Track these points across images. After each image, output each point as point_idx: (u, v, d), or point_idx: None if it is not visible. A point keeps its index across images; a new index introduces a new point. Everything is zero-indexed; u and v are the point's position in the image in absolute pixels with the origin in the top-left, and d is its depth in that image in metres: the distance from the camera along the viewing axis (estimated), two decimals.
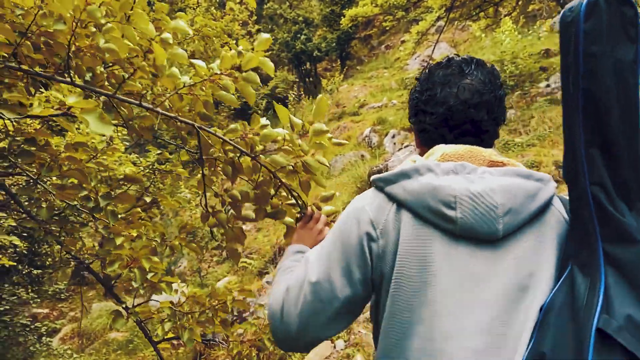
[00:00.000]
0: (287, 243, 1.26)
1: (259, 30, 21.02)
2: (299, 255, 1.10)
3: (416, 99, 1.01)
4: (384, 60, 19.58)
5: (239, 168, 1.41)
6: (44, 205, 1.57)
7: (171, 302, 1.68)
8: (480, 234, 0.80)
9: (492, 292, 0.79)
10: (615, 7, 0.74)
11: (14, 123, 1.39)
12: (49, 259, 5.53)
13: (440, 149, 0.92)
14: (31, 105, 1.01)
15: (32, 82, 1.34)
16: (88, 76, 1.37)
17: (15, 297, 3.91)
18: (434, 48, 11.31)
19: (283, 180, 1.35)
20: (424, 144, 1.01)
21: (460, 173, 0.85)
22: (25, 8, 1.26)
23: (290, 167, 1.30)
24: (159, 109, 1.29)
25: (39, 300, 4.84)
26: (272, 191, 1.41)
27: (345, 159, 9.89)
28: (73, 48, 1.19)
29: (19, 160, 1.44)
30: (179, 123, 1.36)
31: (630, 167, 0.75)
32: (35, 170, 1.57)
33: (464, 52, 14.89)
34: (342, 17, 15.85)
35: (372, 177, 0.92)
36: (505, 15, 9.24)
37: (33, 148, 1.45)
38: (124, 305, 1.54)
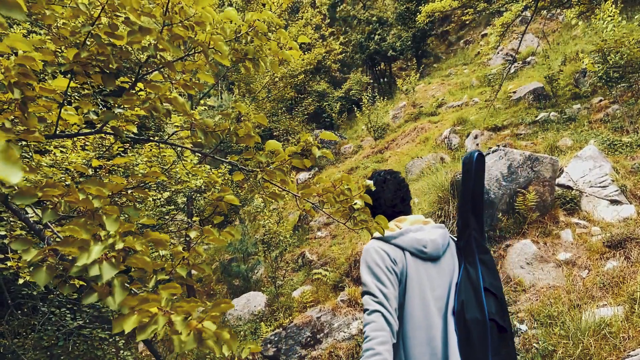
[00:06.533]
0: None
1: (332, 34, 20.94)
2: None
3: (373, 204, 1.95)
4: (463, 56, 18.64)
5: None
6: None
7: None
8: (434, 257, 1.80)
9: (442, 280, 1.79)
10: (481, 159, 1.95)
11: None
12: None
13: (407, 219, 1.92)
14: None
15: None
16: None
17: (94, 310, 4.03)
18: (520, 40, 10.43)
19: None
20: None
21: (420, 230, 1.84)
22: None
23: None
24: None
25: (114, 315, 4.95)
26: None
27: (424, 162, 9.29)
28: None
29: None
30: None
31: (481, 221, 1.93)
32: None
33: (553, 43, 13.63)
34: (417, 14, 15.27)
35: (377, 236, 1.81)
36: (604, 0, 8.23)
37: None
38: None
